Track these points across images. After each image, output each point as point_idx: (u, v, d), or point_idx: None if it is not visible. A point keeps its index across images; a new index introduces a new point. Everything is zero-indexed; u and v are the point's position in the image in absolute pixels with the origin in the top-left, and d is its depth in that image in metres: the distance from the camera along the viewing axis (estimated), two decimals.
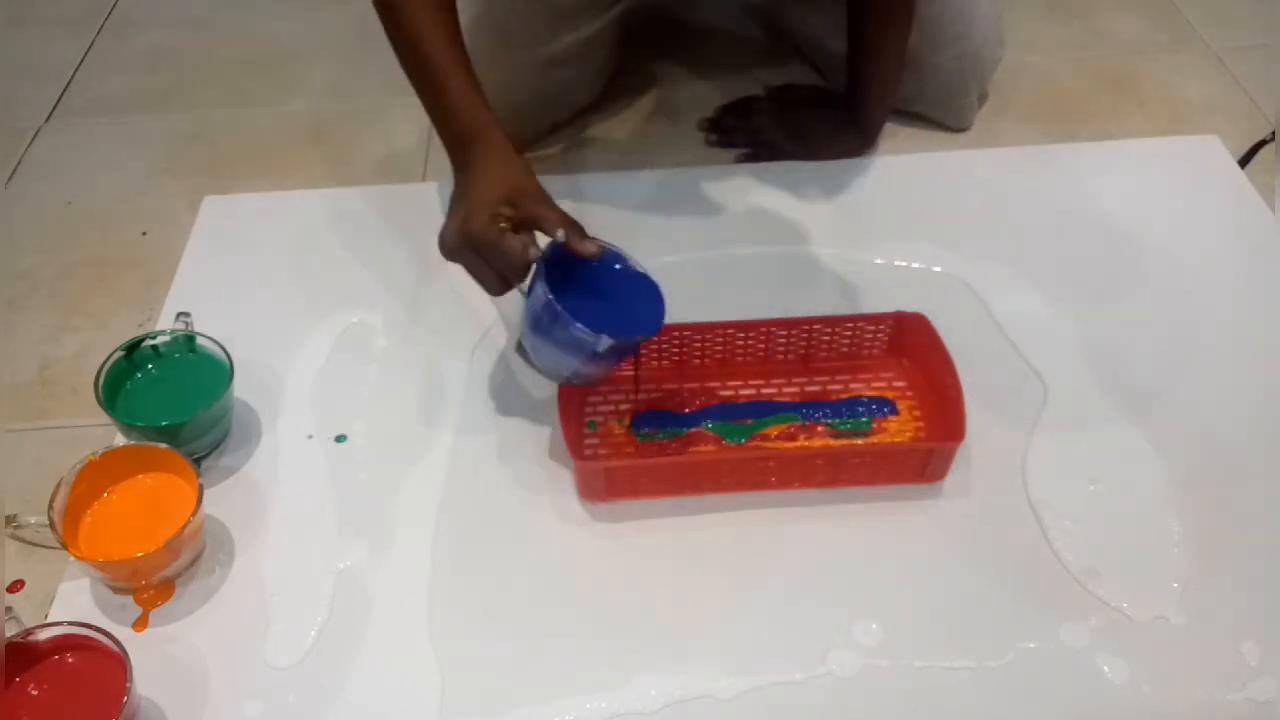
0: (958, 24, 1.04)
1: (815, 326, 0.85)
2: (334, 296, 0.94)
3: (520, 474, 0.81)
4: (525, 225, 0.72)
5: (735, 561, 0.75)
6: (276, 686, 0.69)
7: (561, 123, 1.11)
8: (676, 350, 0.85)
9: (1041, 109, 1.14)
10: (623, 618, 0.72)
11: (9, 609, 0.67)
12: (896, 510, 0.78)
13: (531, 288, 0.72)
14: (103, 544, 0.72)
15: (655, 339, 0.84)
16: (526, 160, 0.77)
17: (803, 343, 0.86)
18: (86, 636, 0.65)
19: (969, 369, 0.80)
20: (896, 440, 0.81)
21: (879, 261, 0.96)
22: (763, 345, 0.85)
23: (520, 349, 0.76)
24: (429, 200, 1.03)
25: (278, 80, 1.22)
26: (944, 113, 1.10)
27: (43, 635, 0.65)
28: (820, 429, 0.82)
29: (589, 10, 1.04)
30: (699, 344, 0.85)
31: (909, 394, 0.84)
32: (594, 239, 0.72)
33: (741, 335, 0.85)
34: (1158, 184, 1.03)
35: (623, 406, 0.84)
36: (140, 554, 0.69)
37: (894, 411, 0.83)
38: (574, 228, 0.72)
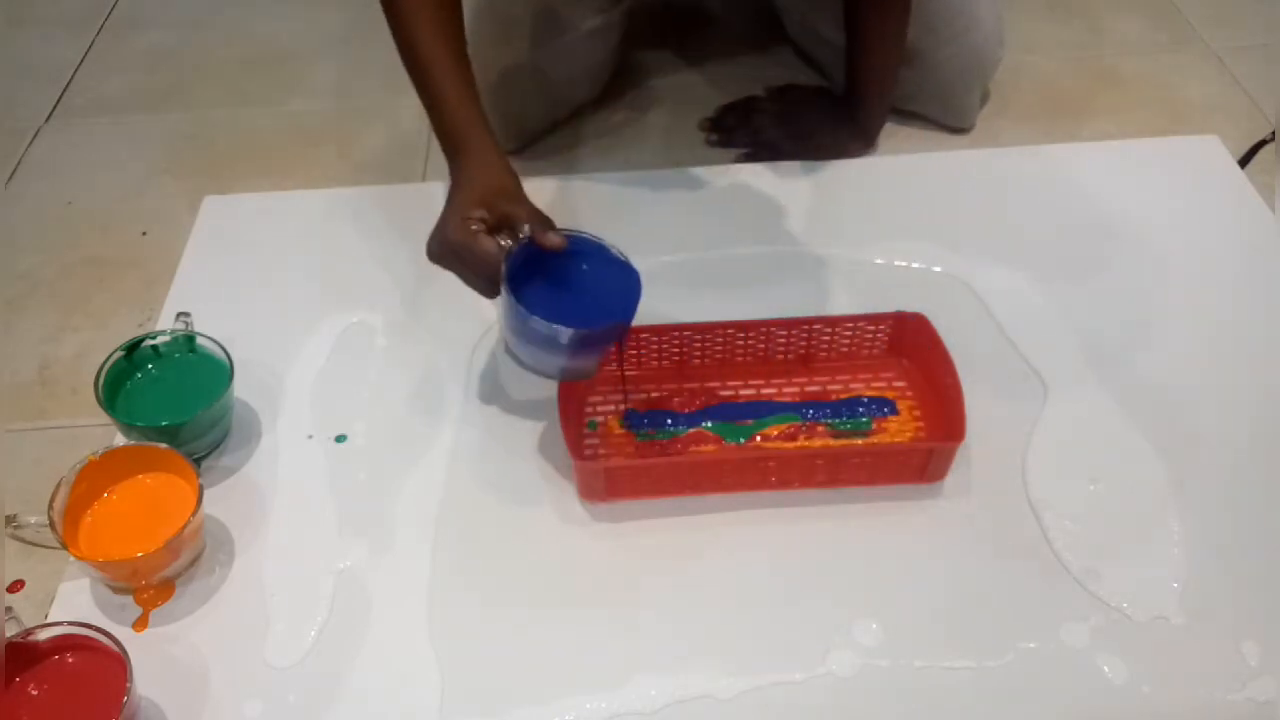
0: (960, 19, 1.04)
1: (815, 326, 0.85)
2: (334, 296, 0.94)
3: (520, 474, 0.81)
4: (501, 226, 0.73)
5: (735, 561, 0.75)
6: (276, 686, 0.69)
7: (562, 118, 1.11)
8: (676, 350, 0.85)
9: (1041, 109, 1.14)
10: (623, 618, 0.72)
11: (9, 609, 0.67)
12: (896, 510, 0.78)
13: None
14: (103, 544, 0.72)
15: (655, 339, 0.84)
16: (507, 162, 0.77)
17: (803, 343, 0.86)
18: (86, 636, 0.65)
19: (969, 369, 0.80)
20: (896, 440, 0.81)
21: (879, 261, 0.96)
22: (763, 345, 0.85)
23: (508, 351, 0.76)
24: (429, 200, 1.02)
25: (278, 80, 1.22)
26: (946, 111, 1.10)
27: (43, 635, 0.65)
28: (820, 429, 0.82)
29: (592, 6, 1.05)
30: (699, 344, 0.85)
31: (909, 394, 0.84)
32: (562, 231, 0.72)
33: (741, 335, 0.85)
34: (1158, 184, 1.03)
35: (622, 406, 0.84)
36: (140, 554, 0.69)
37: (894, 411, 0.83)
38: (540, 222, 0.72)
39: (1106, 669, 0.69)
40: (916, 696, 0.68)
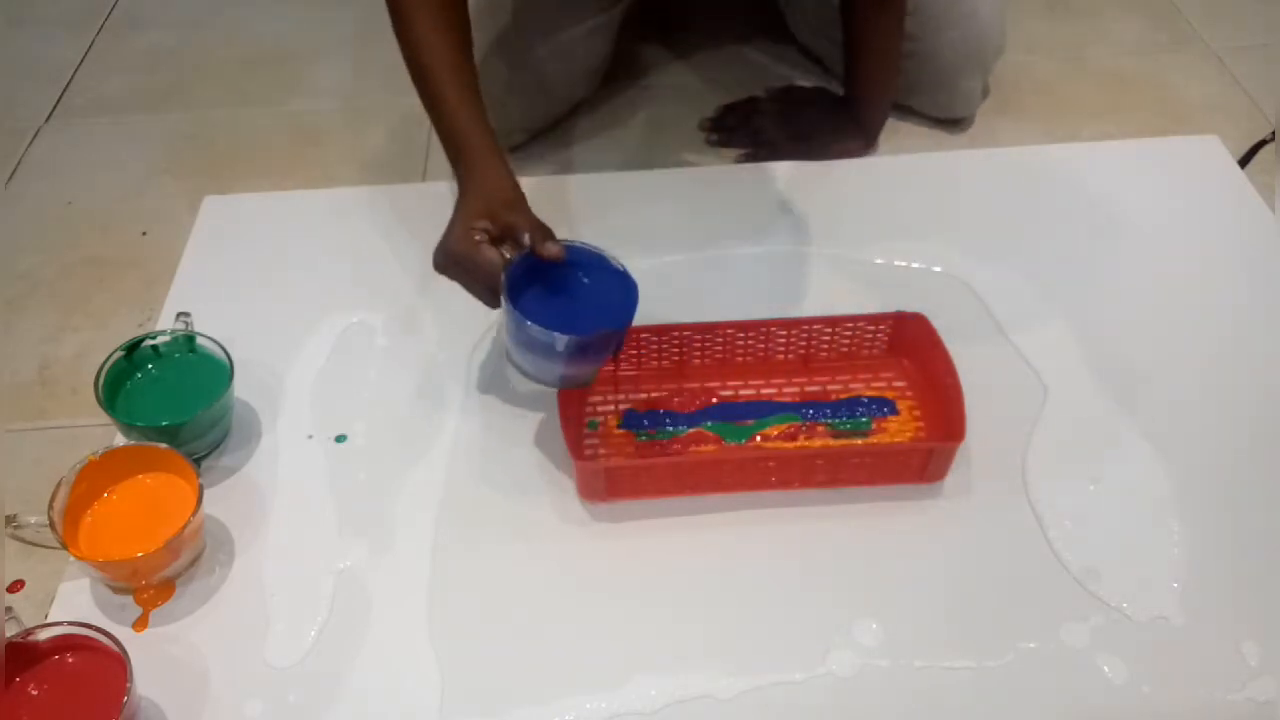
0: (960, 5, 1.04)
1: (815, 326, 0.85)
2: (334, 296, 0.94)
3: (520, 474, 0.81)
4: (504, 236, 0.73)
5: (735, 561, 0.75)
6: (276, 686, 0.69)
7: (560, 115, 1.11)
8: (676, 350, 0.85)
9: (1041, 109, 1.14)
10: (623, 618, 0.72)
11: (9, 609, 0.67)
12: (896, 510, 0.78)
13: None
14: (103, 544, 0.72)
15: (655, 339, 0.84)
16: (509, 168, 0.77)
17: (803, 343, 0.86)
18: (86, 636, 0.65)
19: (969, 369, 0.80)
20: (896, 440, 0.81)
21: (879, 261, 0.96)
22: (763, 345, 0.85)
23: (510, 360, 0.77)
24: (429, 200, 1.02)
25: (278, 80, 1.22)
26: (947, 100, 1.09)
27: (43, 635, 0.65)
28: (820, 429, 0.82)
29: (591, 5, 1.05)
30: (699, 344, 0.85)
31: (909, 394, 0.84)
32: (561, 241, 0.72)
33: (741, 335, 0.85)
34: (1158, 184, 1.03)
35: (622, 407, 0.84)
36: (140, 554, 0.69)
37: (894, 411, 0.83)
38: (540, 232, 0.73)
39: (1106, 669, 0.69)
40: (916, 696, 0.68)
